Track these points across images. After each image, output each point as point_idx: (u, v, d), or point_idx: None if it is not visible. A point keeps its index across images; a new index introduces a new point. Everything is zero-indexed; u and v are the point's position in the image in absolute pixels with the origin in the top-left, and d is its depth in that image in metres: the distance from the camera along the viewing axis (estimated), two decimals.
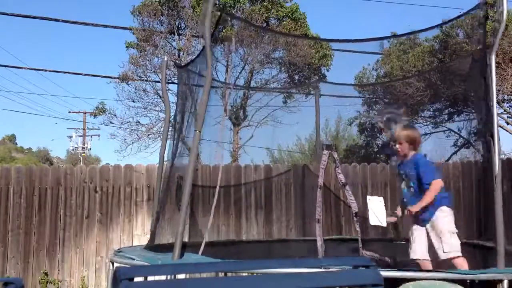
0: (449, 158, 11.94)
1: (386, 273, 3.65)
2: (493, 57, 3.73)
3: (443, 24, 5.36)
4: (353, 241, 5.55)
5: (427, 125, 13.52)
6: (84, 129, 34.72)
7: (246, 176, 7.64)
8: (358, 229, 4.59)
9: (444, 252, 3.76)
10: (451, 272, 3.55)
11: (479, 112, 4.74)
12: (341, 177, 4.41)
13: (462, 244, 3.87)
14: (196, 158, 4.13)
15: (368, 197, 4.52)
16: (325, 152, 4.28)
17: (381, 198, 4.39)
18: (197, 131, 3.82)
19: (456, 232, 3.82)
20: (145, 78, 13.44)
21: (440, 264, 3.80)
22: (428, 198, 3.75)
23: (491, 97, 3.75)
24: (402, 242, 5.84)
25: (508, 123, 13.58)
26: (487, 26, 4.35)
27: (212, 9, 3.77)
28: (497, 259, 3.50)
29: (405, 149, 3.95)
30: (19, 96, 75.17)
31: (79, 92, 69.52)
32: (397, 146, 3.96)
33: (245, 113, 13.65)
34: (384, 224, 4.23)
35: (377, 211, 4.30)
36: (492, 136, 3.67)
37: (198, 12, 12.27)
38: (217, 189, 4.55)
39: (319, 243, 4.03)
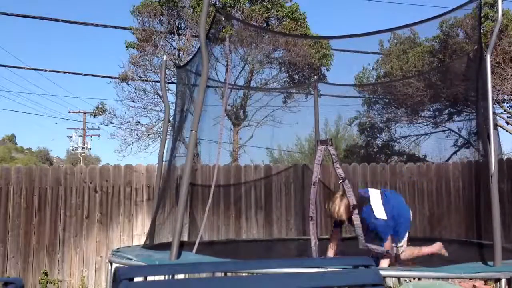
0: (449, 158, 11.94)
1: (386, 273, 3.66)
2: (489, 57, 3.72)
3: (441, 15, 5.34)
4: (351, 240, 5.54)
5: (427, 125, 13.51)
6: (84, 129, 34.73)
7: (246, 176, 7.65)
8: (357, 222, 4.55)
9: None
10: (451, 272, 3.55)
11: (477, 112, 4.74)
12: (340, 171, 4.29)
13: (463, 243, 3.88)
14: (192, 157, 4.12)
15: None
16: (320, 147, 4.17)
17: (379, 191, 4.36)
18: (193, 131, 3.80)
19: None
20: (145, 78, 13.42)
21: None
22: None
23: (487, 96, 3.74)
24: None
25: (508, 123, 13.57)
26: (488, 26, 4.36)
27: (209, 8, 3.76)
28: (495, 258, 3.49)
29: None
30: (19, 96, 75.26)
31: (79, 92, 69.73)
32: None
33: (245, 113, 13.64)
34: (384, 217, 4.20)
35: (376, 204, 4.27)
36: (488, 135, 3.67)
37: (198, 12, 12.25)
38: (212, 189, 4.52)
39: (313, 241, 3.97)
